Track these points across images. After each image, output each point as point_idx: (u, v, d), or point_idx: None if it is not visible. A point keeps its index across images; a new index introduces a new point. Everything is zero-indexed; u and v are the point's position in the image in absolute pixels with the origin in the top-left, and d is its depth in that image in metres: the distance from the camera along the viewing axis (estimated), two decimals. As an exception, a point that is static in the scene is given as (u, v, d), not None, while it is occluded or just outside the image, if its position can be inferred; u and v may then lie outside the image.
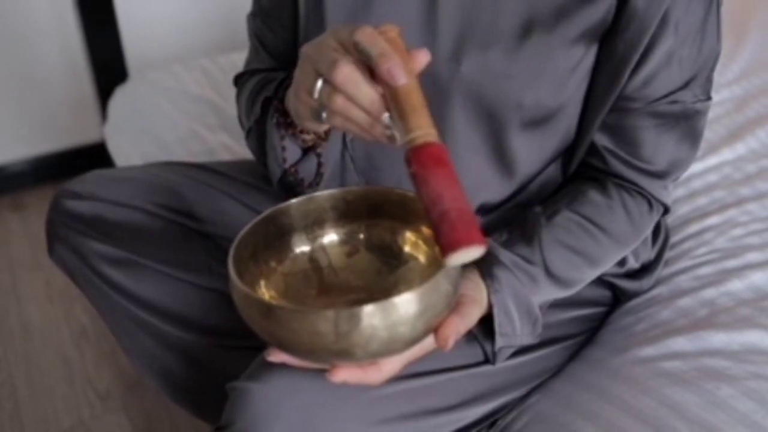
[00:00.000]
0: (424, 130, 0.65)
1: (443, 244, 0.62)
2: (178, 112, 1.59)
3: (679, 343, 0.92)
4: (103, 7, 1.98)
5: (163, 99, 1.64)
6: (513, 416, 0.90)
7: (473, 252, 0.62)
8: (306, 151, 0.86)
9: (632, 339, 0.95)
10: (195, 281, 0.98)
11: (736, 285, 1.00)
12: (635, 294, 1.03)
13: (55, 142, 2.18)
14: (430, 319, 0.67)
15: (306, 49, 0.71)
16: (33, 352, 1.66)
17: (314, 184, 0.87)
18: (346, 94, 0.68)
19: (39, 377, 1.59)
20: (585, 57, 0.84)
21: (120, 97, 1.75)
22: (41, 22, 2.01)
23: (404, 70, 0.66)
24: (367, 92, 0.67)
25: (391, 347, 0.67)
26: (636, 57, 0.82)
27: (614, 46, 0.83)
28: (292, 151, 0.84)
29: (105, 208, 0.98)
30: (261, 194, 1.05)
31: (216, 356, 1.00)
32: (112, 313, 1.00)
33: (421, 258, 0.78)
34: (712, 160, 1.26)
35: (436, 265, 0.77)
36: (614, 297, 1.03)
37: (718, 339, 0.92)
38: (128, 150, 1.57)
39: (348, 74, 0.67)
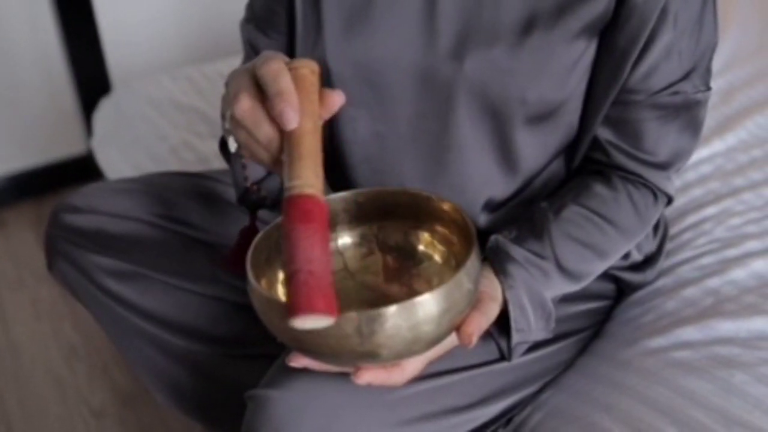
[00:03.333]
0: (302, 180, 0.63)
1: (288, 306, 0.60)
2: (167, 122, 1.58)
3: (688, 333, 0.93)
4: (83, 18, 1.95)
5: (151, 110, 1.63)
6: (528, 412, 0.91)
7: (314, 321, 0.59)
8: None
9: (640, 330, 0.96)
10: (200, 291, 0.97)
11: (738, 273, 1.01)
12: (639, 286, 1.04)
13: (34, 158, 2.15)
14: (453, 317, 0.67)
15: (228, 76, 0.70)
16: (23, 372, 1.63)
17: (279, 202, 0.85)
18: (246, 130, 0.67)
19: (31, 397, 1.57)
20: (586, 51, 0.85)
21: (105, 109, 1.73)
22: (18, 34, 1.98)
23: (297, 114, 0.63)
24: (265, 131, 0.66)
25: (416, 347, 0.67)
26: (637, 50, 0.83)
27: (615, 40, 0.84)
28: (254, 169, 0.83)
29: (105, 220, 0.97)
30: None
31: (225, 366, 0.99)
32: (116, 327, 0.99)
33: (437, 257, 0.78)
34: (704, 152, 1.27)
35: (451, 263, 0.77)
36: (618, 290, 1.04)
37: (726, 327, 0.93)
38: (119, 162, 1.55)
39: (246, 110, 0.66)
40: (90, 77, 1.98)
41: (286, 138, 0.65)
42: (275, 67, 0.65)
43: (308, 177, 0.64)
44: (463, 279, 0.67)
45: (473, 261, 0.69)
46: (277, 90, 0.64)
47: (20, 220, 2.11)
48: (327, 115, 0.68)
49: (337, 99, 0.68)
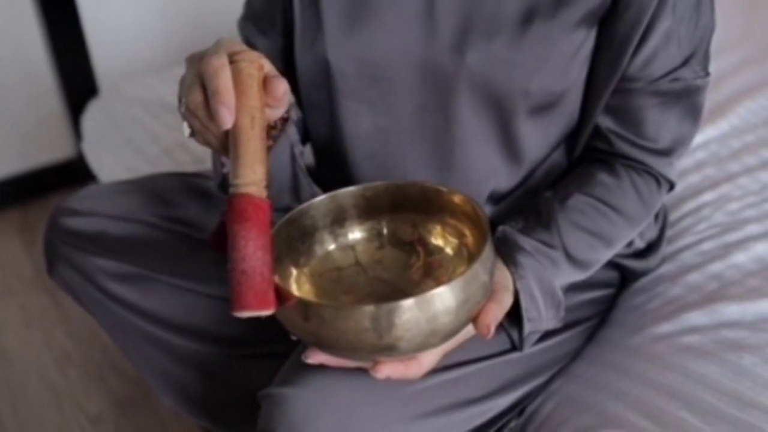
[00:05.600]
0: (239, 180, 0.65)
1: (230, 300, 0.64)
2: (159, 124, 1.57)
3: (695, 318, 0.94)
4: (68, 20, 1.93)
5: (142, 112, 1.62)
6: (539, 402, 0.91)
7: (253, 313, 0.63)
8: None
9: (647, 317, 0.97)
10: (205, 291, 0.96)
11: (740, 257, 1.02)
12: (643, 273, 1.04)
13: (19, 163, 2.12)
14: (471, 309, 0.67)
15: (187, 59, 0.71)
16: (16, 380, 1.61)
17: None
18: (198, 119, 0.68)
19: (26, 406, 1.55)
20: (586, 40, 0.85)
21: (93, 112, 1.72)
22: (1, 37, 1.94)
23: (231, 114, 0.64)
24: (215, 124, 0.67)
25: (434, 339, 0.67)
26: (636, 38, 0.83)
27: (615, 28, 0.84)
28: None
29: (106, 223, 0.95)
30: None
31: (232, 366, 0.98)
32: (121, 331, 0.98)
33: (448, 249, 0.78)
34: (698, 139, 1.28)
35: (464, 255, 0.77)
36: (622, 278, 1.05)
37: (732, 311, 0.93)
38: (111, 165, 1.54)
39: (198, 103, 0.67)
40: (76, 80, 1.95)
41: (229, 136, 0.67)
42: (215, 64, 0.65)
43: (245, 176, 0.65)
44: (479, 270, 0.67)
45: (488, 252, 0.68)
46: (214, 89, 0.65)
47: (6, 226, 2.08)
48: (276, 104, 0.69)
49: (280, 86, 0.68)
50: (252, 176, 0.65)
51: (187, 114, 0.69)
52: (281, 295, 0.66)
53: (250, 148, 0.65)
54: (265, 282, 0.64)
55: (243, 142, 0.65)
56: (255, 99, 0.66)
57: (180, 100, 0.70)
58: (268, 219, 0.66)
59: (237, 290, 0.63)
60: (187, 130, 0.72)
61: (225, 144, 0.68)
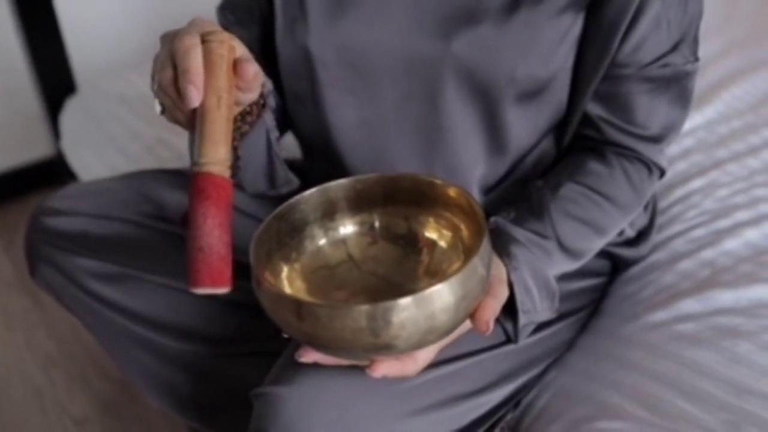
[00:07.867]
0: (203, 159, 0.65)
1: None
2: (139, 120, 1.55)
3: (689, 305, 0.93)
4: (44, 15, 1.89)
5: (122, 108, 1.59)
6: (534, 394, 0.90)
7: (209, 290, 0.63)
8: None
9: (640, 305, 0.96)
10: (192, 289, 0.94)
11: (731, 244, 1.01)
12: (634, 261, 1.04)
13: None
14: (469, 305, 0.66)
15: (162, 37, 0.71)
16: (-2, 384, 1.58)
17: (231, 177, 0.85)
18: (169, 97, 0.68)
19: (10, 410, 1.52)
20: (573, 26, 0.84)
21: (72, 109, 1.69)
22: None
23: (199, 93, 0.65)
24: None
25: (432, 336, 0.65)
26: (625, 23, 0.82)
27: (603, 14, 0.83)
28: None
29: (89, 222, 0.93)
30: (246, 194, 1.01)
31: (220, 365, 0.96)
32: (106, 332, 0.96)
33: (442, 243, 0.77)
34: (685, 126, 1.26)
35: (459, 248, 0.75)
36: (613, 266, 1.04)
37: (725, 297, 0.93)
38: (92, 163, 1.51)
39: (170, 80, 0.67)
40: (54, 77, 1.91)
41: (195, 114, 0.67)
42: (186, 43, 0.65)
43: (208, 155, 0.65)
44: (477, 265, 0.65)
45: (485, 246, 0.67)
46: (184, 68, 0.65)
47: (-17, 228, 2.04)
48: (246, 86, 0.69)
49: (249, 69, 0.68)
50: (215, 155, 0.65)
51: (159, 91, 0.69)
52: (262, 281, 0.65)
53: (215, 128, 0.65)
54: (222, 260, 0.64)
55: (208, 121, 0.65)
56: (223, 80, 0.66)
57: (153, 77, 0.70)
58: (229, 198, 0.66)
59: (193, 267, 0.63)
60: (158, 108, 0.73)
61: (193, 123, 0.68)
